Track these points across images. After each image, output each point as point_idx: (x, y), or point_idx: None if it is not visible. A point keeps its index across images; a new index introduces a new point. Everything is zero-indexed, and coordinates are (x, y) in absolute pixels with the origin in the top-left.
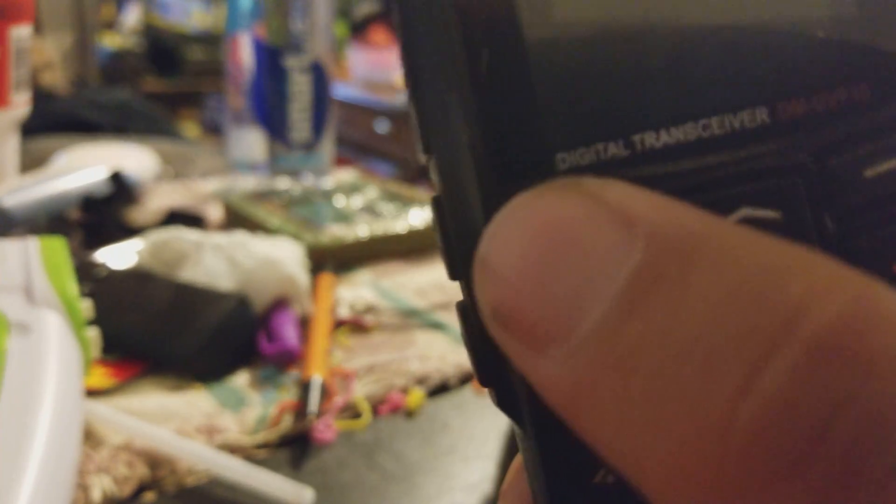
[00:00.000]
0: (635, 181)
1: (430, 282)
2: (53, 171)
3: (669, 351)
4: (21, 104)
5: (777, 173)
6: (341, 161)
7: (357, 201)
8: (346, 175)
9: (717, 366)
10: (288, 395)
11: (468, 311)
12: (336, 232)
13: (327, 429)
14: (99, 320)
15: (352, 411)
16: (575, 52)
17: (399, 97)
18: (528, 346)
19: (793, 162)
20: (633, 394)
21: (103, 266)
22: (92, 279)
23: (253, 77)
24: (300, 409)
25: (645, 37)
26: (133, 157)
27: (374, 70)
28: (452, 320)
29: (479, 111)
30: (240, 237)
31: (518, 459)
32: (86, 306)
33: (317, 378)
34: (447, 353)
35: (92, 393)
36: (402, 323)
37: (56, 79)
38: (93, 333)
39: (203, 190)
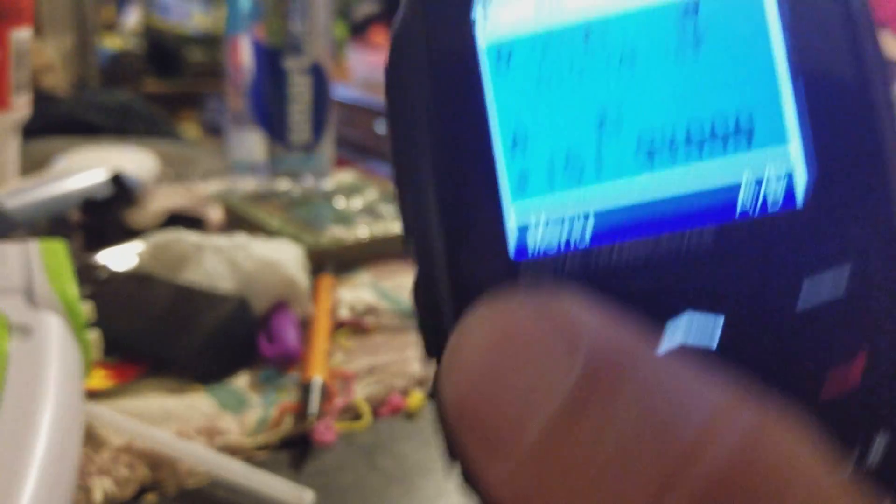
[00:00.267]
0: (590, 293)
1: None
2: (54, 174)
3: (595, 470)
4: (22, 107)
5: (719, 300)
6: (341, 162)
7: (357, 202)
8: (346, 176)
9: (630, 492)
10: (288, 397)
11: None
12: (336, 233)
13: (327, 430)
14: (100, 322)
15: (352, 413)
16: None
17: None
18: (480, 449)
19: (734, 290)
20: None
21: (104, 268)
22: (93, 281)
23: (252, 78)
24: (300, 411)
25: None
26: (133, 159)
27: (374, 70)
28: None
29: (449, 224)
30: (240, 239)
31: None
32: (87, 308)
33: (317, 380)
34: None
35: (93, 395)
36: (403, 324)
37: (56, 81)
38: (94, 335)
39: (203, 192)
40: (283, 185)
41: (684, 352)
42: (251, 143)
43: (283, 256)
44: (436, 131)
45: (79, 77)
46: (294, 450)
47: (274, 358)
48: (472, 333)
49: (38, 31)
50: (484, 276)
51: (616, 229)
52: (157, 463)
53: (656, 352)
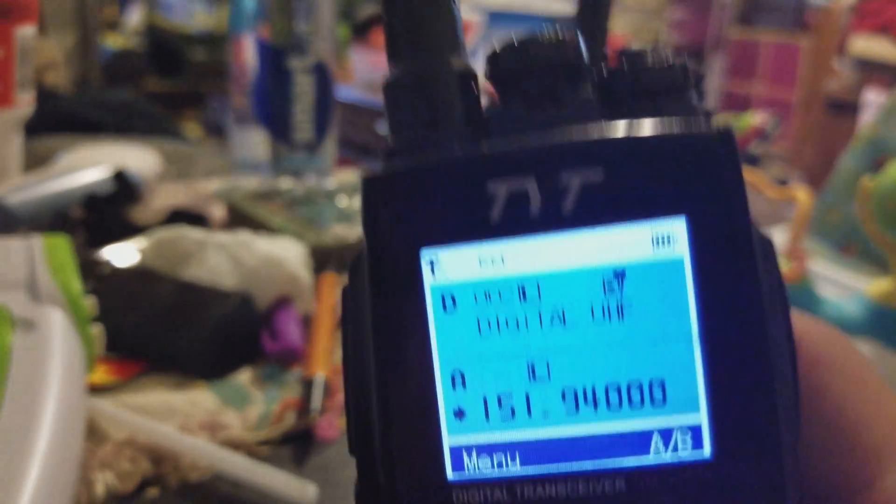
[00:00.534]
0: None
1: None
2: (56, 170)
3: None
4: (25, 104)
5: None
6: (343, 162)
7: (359, 201)
8: (349, 175)
9: None
10: (291, 393)
11: None
12: (339, 232)
13: (330, 426)
14: (102, 318)
15: None
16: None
17: None
18: None
19: None
20: None
21: (107, 264)
22: (95, 277)
23: (256, 78)
24: (303, 407)
25: None
26: (136, 157)
27: (377, 71)
28: None
29: (390, 443)
30: (243, 236)
31: None
32: (90, 303)
33: (320, 376)
34: None
35: (95, 390)
36: None
37: (59, 78)
38: (97, 330)
39: (206, 190)
40: (286, 183)
41: None
42: (254, 142)
43: (286, 253)
44: (381, 358)
45: (81, 75)
46: (296, 445)
47: (276, 354)
48: None
49: (41, 29)
50: (420, 494)
51: (540, 462)
52: (159, 457)
53: None
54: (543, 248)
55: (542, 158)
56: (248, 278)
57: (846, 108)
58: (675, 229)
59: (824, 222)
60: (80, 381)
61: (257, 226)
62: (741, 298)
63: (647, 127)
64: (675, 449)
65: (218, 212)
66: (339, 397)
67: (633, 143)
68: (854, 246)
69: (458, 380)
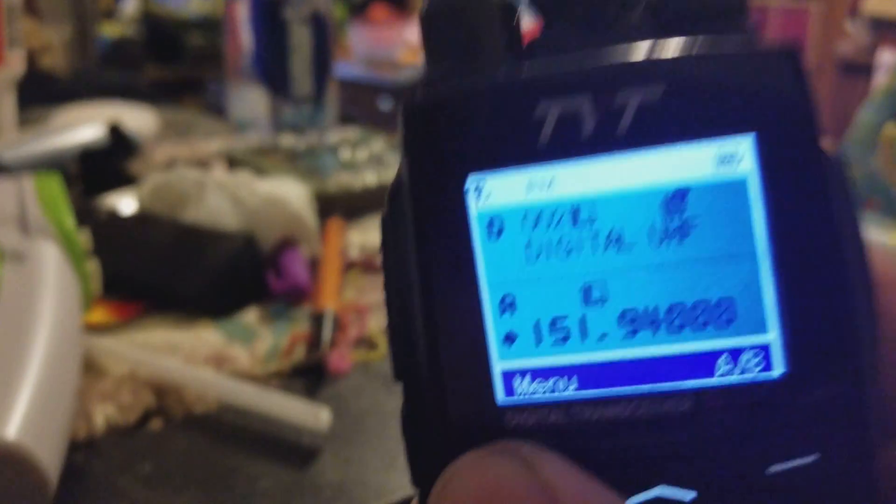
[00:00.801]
0: (571, 450)
1: None
2: (51, 128)
3: None
4: (16, 62)
5: (694, 462)
6: None
7: (363, 153)
8: (351, 132)
9: None
10: (300, 328)
11: None
12: (343, 180)
13: (342, 359)
14: (101, 262)
15: (367, 344)
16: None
17: (402, 73)
18: None
19: (709, 454)
20: None
21: (103, 210)
22: (93, 222)
23: (252, 31)
24: (313, 341)
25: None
26: (133, 116)
27: (376, 48)
28: None
29: (439, 367)
30: (243, 176)
31: None
32: (83, 238)
33: (329, 310)
34: None
35: (95, 329)
36: None
37: (55, 61)
38: (92, 266)
39: (205, 149)
40: (287, 140)
41: None
42: (252, 100)
43: (289, 193)
44: (427, 286)
45: (79, 66)
46: (308, 378)
47: (283, 292)
48: (457, 487)
49: (37, 20)
50: (470, 418)
51: (599, 386)
52: (162, 390)
53: None
54: (597, 170)
55: (597, 77)
56: (250, 219)
57: (860, 70)
58: (741, 148)
59: None
60: (74, 312)
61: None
62: (812, 216)
63: (709, 44)
64: (743, 370)
65: (219, 168)
66: (351, 331)
67: (697, 60)
68: (875, 199)
69: (508, 305)
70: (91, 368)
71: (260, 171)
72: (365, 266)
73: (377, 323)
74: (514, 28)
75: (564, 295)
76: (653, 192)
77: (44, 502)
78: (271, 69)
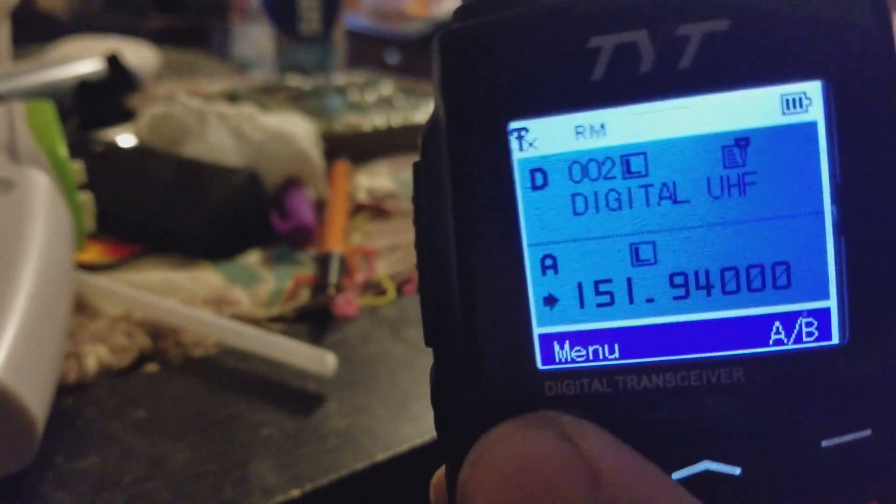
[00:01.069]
0: (613, 421)
1: None
2: (48, 60)
3: None
4: None
5: (742, 435)
6: None
7: (372, 95)
8: (359, 75)
9: None
10: (304, 271)
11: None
12: (351, 121)
13: (348, 304)
14: (96, 198)
15: (375, 289)
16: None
17: (411, 25)
18: None
19: (759, 426)
20: None
21: (99, 142)
22: (88, 154)
23: None
24: (319, 284)
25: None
26: (133, 50)
27: None
28: None
29: (474, 328)
30: (247, 109)
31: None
32: (77, 168)
33: (335, 252)
34: None
35: (88, 268)
36: None
37: (55, 3)
38: (86, 198)
39: (208, 89)
40: (293, 80)
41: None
42: (257, 38)
43: (295, 129)
44: (463, 242)
45: (78, 9)
46: (313, 322)
47: (287, 234)
48: (493, 458)
49: None
50: (507, 385)
51: (643, 353)
52: (158, 332)
53: (675, 493)
54: (652, 114)
55: (657, 8)
56: (253, 155)
57: None
58: (811, 92)
59: None
60: (65, 245)
61: None
62: (886, 171)
63: None
64: (799, 338)
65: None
66: (358, 275)
67: None
68: None
69: (550, 264)
70: (83, 308)
71: (264, 109)
72: (373, 210)
73: (386, 268)
74: None
75: (611, 254)
76: (711, 138)
77: (30, 446)
78: (279, 5)
